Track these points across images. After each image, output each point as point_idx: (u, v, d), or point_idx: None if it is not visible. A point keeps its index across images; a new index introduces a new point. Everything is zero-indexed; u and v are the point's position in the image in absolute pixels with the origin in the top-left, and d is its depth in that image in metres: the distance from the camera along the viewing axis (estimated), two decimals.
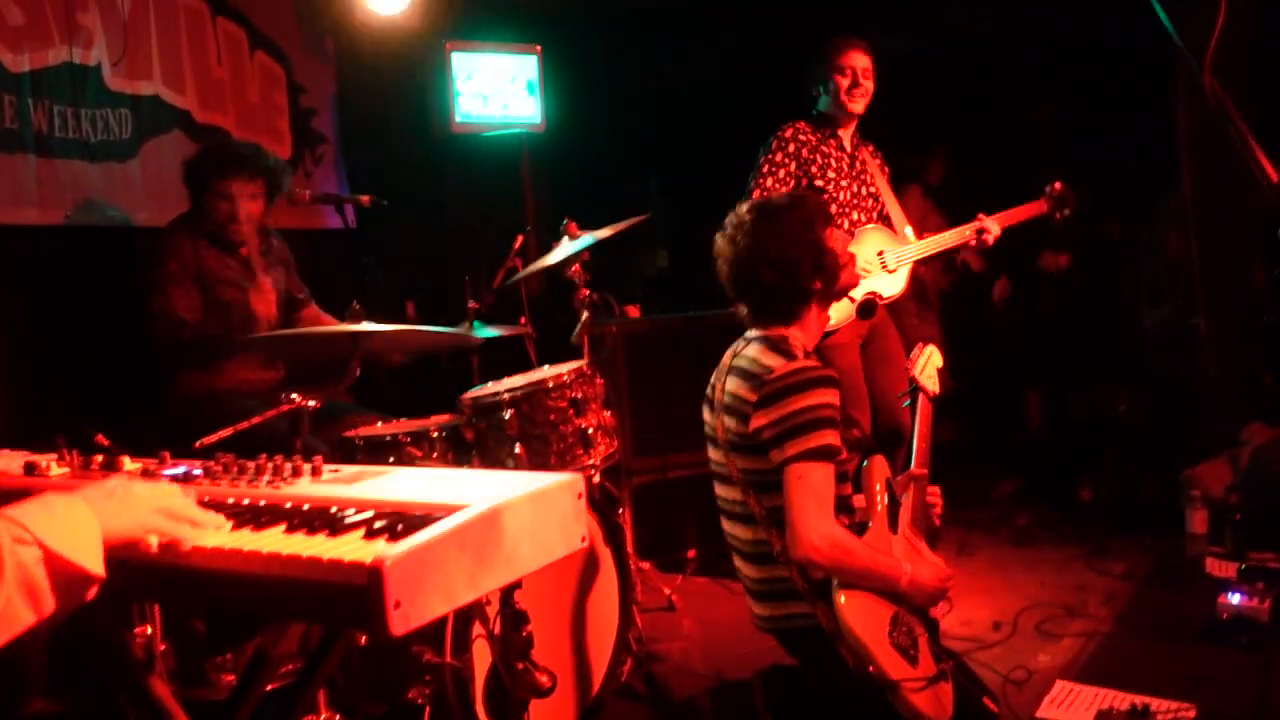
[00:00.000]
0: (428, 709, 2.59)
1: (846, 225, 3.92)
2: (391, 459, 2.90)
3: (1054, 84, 5.87)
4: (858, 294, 3.68)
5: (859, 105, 3.93)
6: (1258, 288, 4.69)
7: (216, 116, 4.28)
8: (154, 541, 1.25)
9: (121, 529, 1.22)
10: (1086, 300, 5.40)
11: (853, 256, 2.58)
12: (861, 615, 2.18)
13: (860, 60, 3.90)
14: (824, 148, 3.93)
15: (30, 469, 1.72)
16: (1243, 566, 3.49)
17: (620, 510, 4.24)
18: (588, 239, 3.45)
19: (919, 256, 3.91)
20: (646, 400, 4.50)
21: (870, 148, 4.08)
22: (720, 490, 2.50)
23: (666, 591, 3.90)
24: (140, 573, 1.24)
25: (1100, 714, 2.74)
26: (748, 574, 2.43)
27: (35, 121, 3.46)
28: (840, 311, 3.74)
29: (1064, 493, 4.94)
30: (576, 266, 3.60)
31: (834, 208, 3.90)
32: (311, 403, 2.57)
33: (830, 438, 2.22)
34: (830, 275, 2.44)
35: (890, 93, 4.07)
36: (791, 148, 3.90)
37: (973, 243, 3.94)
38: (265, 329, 3.51)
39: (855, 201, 3.96)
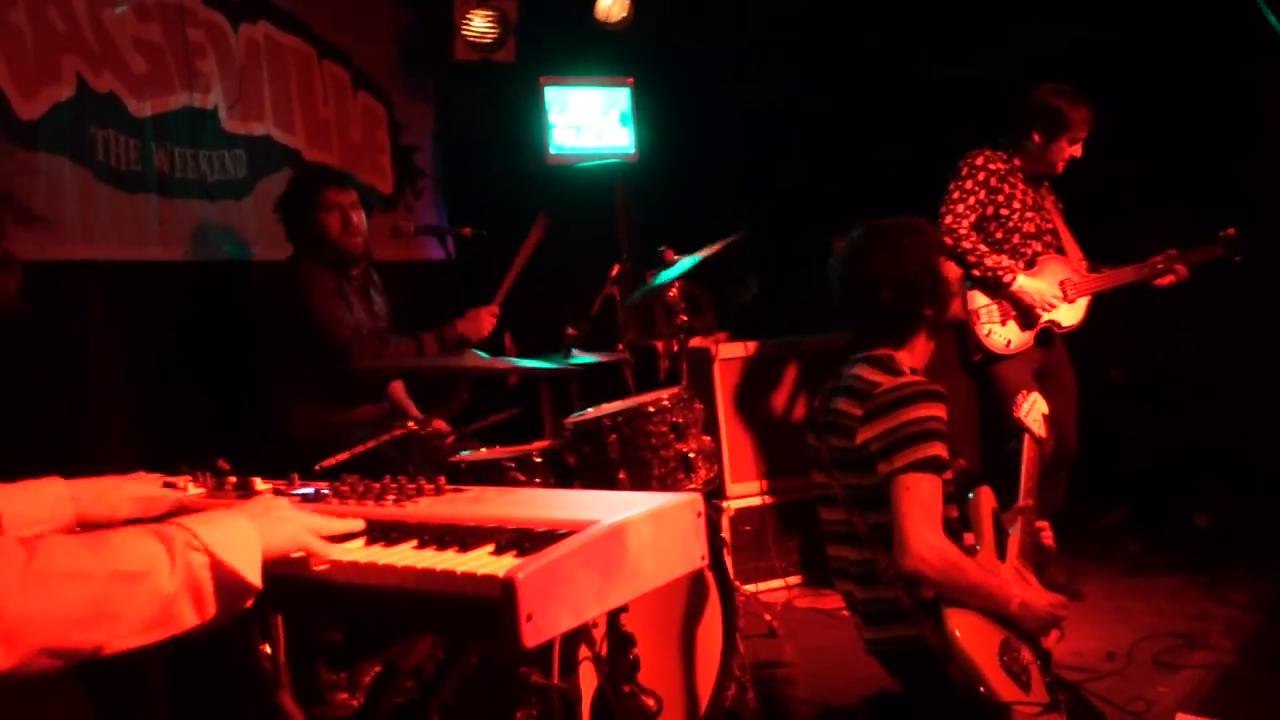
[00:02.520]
0: None
1: (1029, 254, 4.01)
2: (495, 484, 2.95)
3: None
4: (1038, 323, 3.92)
5: (1062, 169, 4.03)
6: None
7: (323, 154, 4.44)
8: (305, 555, 1.30)
9: (278, 544, 1.29)
10: (1199, 319, 5.23)
11: (950, 283, 2.56)
12: (971, 634, 2.15)
13: (1086, 133, 3.98)
14: (1011, 178, 4.02)
15: (169, 489, 1.80)
16: None
17: (721, 535, 4.24)
18: (684, 262, 3.49)
19: (1100, 289, 4.02)
20: (743, 426, 4.51)
21: (1047, 184, 4.16)
22: (825, 513, 2.49)
23: (767, 618, 3.88)
24: (283, 585, 1.29)
25: None
26: (856, 595, 2.41)
27: (157, 163, 3.64)
28: (1018, 340, 3.97)
29: (1176, 520, 4.78)
30: (673, 292, 3.64)
31: (1017, 238, 4.02)
32: (422, 429, 2.64)
33: (939, 449, 2.21)
34: (943, 304, 2.45)
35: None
36: (981, 175, 3.98)
37: (1157, 281, 4.03)
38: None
39: (1037, 233, 4.06)
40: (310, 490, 1.71)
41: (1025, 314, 3.96)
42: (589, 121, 5.10)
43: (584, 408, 3.40)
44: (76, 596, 1.07)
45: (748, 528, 4.42)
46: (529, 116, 5.04)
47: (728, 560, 3.71)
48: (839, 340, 4.76)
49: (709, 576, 3.02)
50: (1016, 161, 4.03)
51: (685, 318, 3.65)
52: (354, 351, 3.38)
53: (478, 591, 1.18)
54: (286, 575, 1.29)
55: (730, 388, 4.53)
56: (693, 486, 3.08)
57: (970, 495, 2.43)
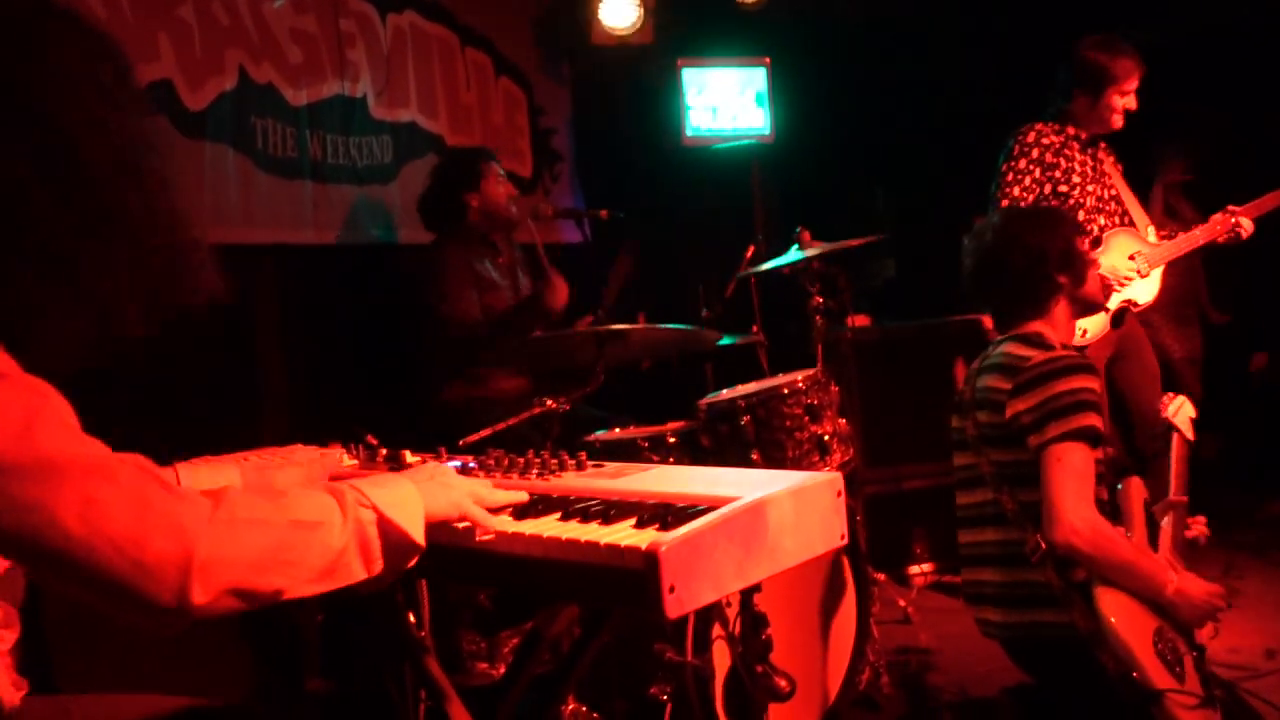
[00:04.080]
0: (669, 706, 2.65)
1: (1095, 230, 3.75)
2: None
3: None
4: (1114, 302, 3.57)
5: (1121, 125, 3.77)
6: None
7: (465, 139, 4.56)
8: (468, 525, 1.37)
9: (441, 509, 1.35)
10: None
11: (1097, 264, 2.52)
12: (1126, 617, 2.08)
13: (1136, 82, 3.73)
14: (1066, 150, 3.76)
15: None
16: None
17: (856, 519, 4.20)
18: (820, 248, 3.46)
19: (1171, 257, 3.70)
20: (878, 410, 4.44)
21: (1104, 144, 3.89)
22: (964, 497, 2.45)
23: (901, 604, 3.83)
24: (434, 552, 1.35)
25: None
26: (989, 579, 2.36)
27: (311, 150, 3.80)
28: (1095, 327, 3.64)
29: None
30: (809, 273, 3.61)
31: (1081, 214, 3.75)
32: (561, 406, 2.70)
33: (1093, 420, 2.15)
34: (1078, 274, 2.40)
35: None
36: (1035, 153, 3.75)
37: (1223, 239, 3.69)
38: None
39: (1100, 206, 3.79)
40: (457, 464, 1.77)
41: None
42: (725, 102, 5.09)
43: (718, 389, 3.42)
44: (260, 541, 1.14)
45: (883, 512, 4.37)
46: (665, 98, 5.07)
47: (862, 544, 3.68)
48: (977, 322, 4.66)
49: (844, 560, 3.00)
50: (1070, 130, 3.77)
51: (820, 299, 3.61)
52: (482, 332, 3.49)
53: (621, 563, 1.21)
54: (438, 543, 1.35)
55: (867, 372, 4.47)
56: (827, 469, 3.07)
57: (1120, 486, 2.36)
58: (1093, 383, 2.19)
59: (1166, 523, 2.37)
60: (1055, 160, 3.75)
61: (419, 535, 1.29)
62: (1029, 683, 2.48)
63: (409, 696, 2.71)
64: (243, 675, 3.01)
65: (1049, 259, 2.36)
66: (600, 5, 4.87)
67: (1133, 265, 3.64)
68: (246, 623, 2.93)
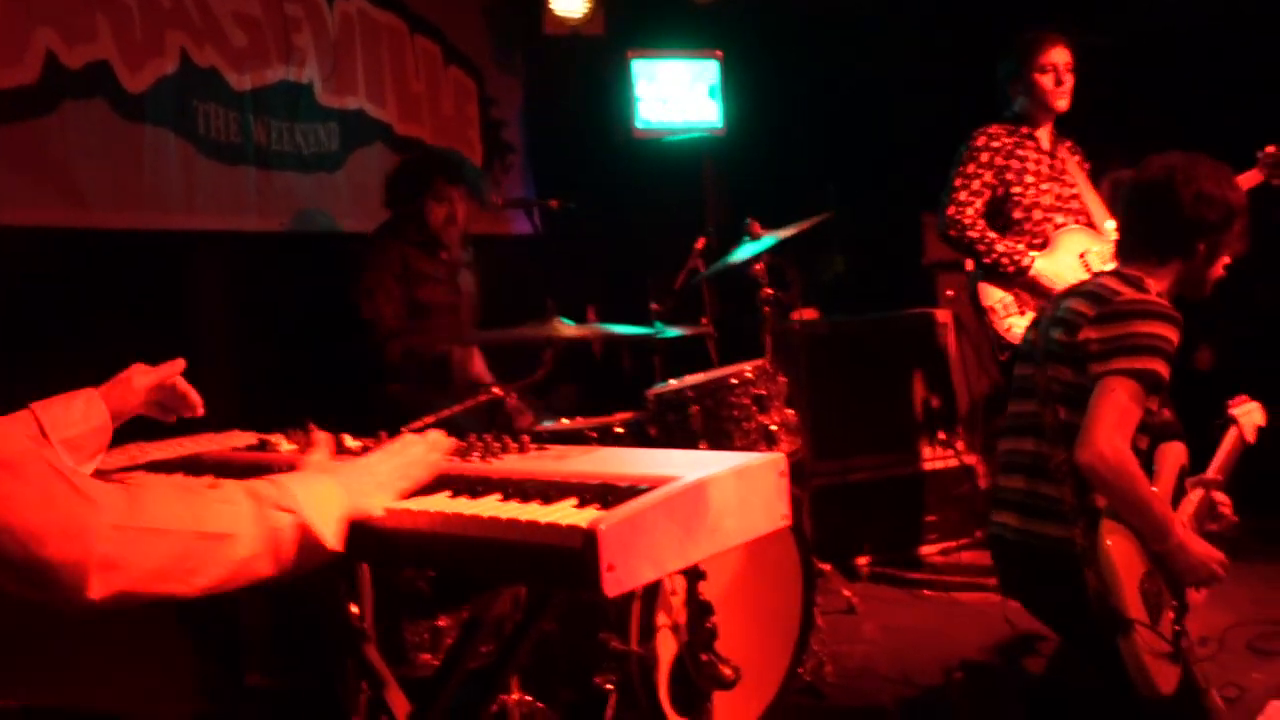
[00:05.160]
0: (614, 695, 2.65)
1: (1051, 229, 3.78)
2: None
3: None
4: None
5: (1064, 103, 3.77)
6: None
7: (414, 128, 4.52)
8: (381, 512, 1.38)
9: (364, 509, 1.35)
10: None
11: (1238, 236, 2.46)
12: (1121, 549, 2.16)
13: (1061, 56, 3.74)
14: (1019, 151, 3.79)
15: (263, 445, 1.87)
16: None
17: (802, 510, 4.22)
18: (771, 238, 3.46)
19: None
20: (827, 402, 4.46)
21: (1069, 144, 3.92)
22: (1015, 407, 2.50)
23: (847, 594, 3.86)
24: (369, 535, 1.33)
25: None
26: (1010, 485, 2.42)
27: (256, 136, 3.74)
28: None
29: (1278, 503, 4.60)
30: (759, 266, 3.62)
31: (1037, 213, 3.77)
32: (508, 394, 2.68)
33: (1159, 367, 2.19)
34: (1216, 246, 2.38)
35: (1088, 88, 3.91)
36: (984, 157, 3.77)
37: None
38: (467, 328, 3.68)
39: (1058, 205, 3.79)
40: None
41: (1046, 299, 3.61)
42: (676, 95, 5.09)
43: (667, 380, 3.42)
44: (162, 552, 1.15)
45: (830, 503, 4.39)
46: (616, 90, 5.05)
47: (808, 535, 3.70)
48: (928, 315, 4.71)
49: (788, 550, 3.01)
50: (1024, 129, 3.80)
51: (770, 290, 3.62)
52: (385, 347, 3.47)
53: (560, 542, 1.20)
54: (375, 525, 1.33)
55: (816, 365, 4.49)
56: None
57: (1160, 445, 2.42)
58: (1172, 333, 2.22)
59: (1194, 495, 2.42)
60: (1006, 162, 3.77)
61: (335, 540, 1.30)
62: (974, 662, 2.52)
63: (351, 688, 2.68)
64: (182, 673, 2.95)
65: (1210, 214, 2.33)
66: None
67: (1079, 265, 3.67)
68: (185, 619, 2.89)
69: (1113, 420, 2.15)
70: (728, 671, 2.45)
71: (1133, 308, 2.25)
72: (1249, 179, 3.71)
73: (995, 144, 3.78)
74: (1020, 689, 2.42)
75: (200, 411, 1.98)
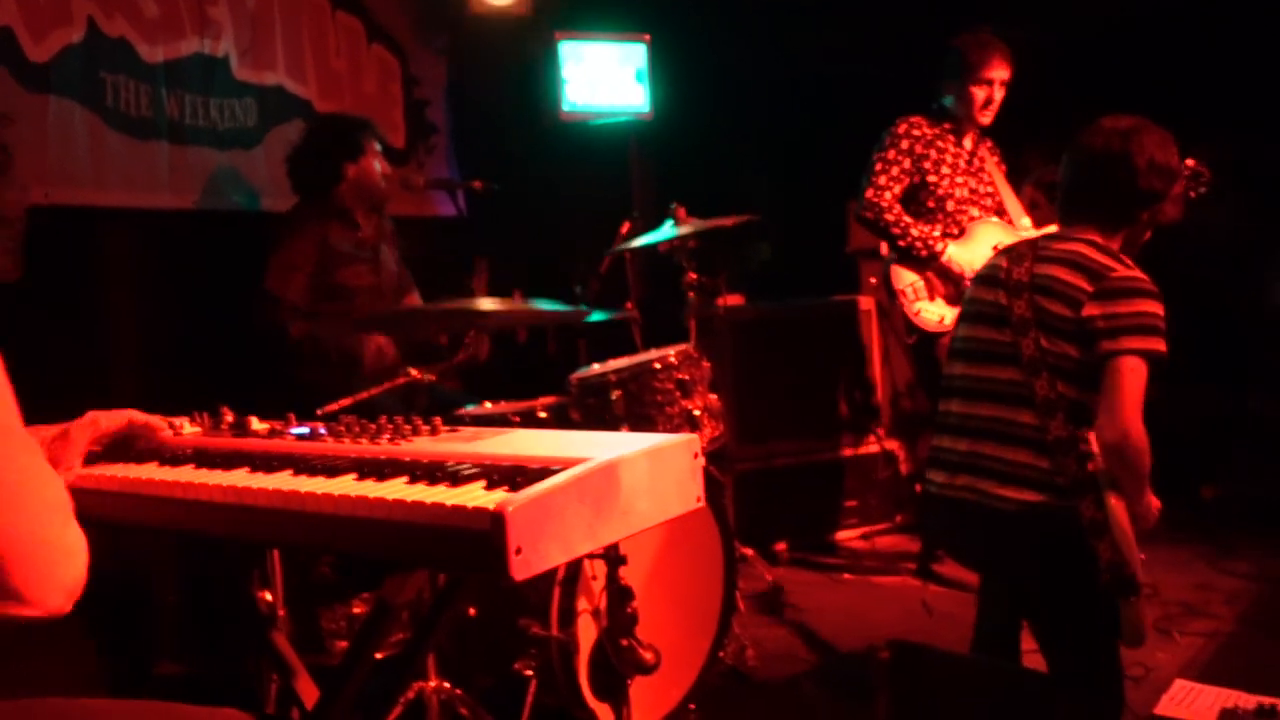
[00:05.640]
0: (534, 681, 2.63)
1: (966, 221, 3.84)
2: None
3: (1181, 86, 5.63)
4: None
5: (988, 119, 3.87)
6: None
7: (335, 105, 4.41)
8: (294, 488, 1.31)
9: None
10: (1213, 289, 5.17)
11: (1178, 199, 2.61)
12: (1124, 517, 2.25)
13: (1001, 73, 3.80)
14: (939, 143, 3.86)
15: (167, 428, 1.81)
16: None
17: (724, 495, 4.24)
18: (695, 225, 3.46)
19: None
20: (750, 388, 4.49)
21: (989, 143, 4.01)
22: (968, 369, 2.52)
23: (769, 579, 3.89)
24: (266, 517, 1.29)
25: (1224, 713, 2.63)
26: (990, 452, 2.42)
27: (169, 110, 3.61)
28: (951, 315, 3.71)
29: (1185, 491, 4.75)
30: (691, 246, 3.61)
31: (950, 204, 3.85)
32: (426, 377, 2.64)
33: (1163, 348, 2.28)
34: (1157, 212, 2.47)
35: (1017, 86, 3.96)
36: (905, 144, 3.84)
37: None
38: (385, 307, 3.60)
39: (972, 198, 3.89)
40: (305, 430, 1.71)
41: (954, 286, 3.76)
42: (603, 78, 5.05)
43: (591, 364, 3.40)
44: None
45: (753, 488, 4.42)
46: (543, 72, 4.99)
47: (730, 520, 3.72)
48: (851, 303, 4.75)
49: (710, 535, 3.02)
50: (947, 125, 3.88)
51: (695, 275, 3.62)
52: (289, 330, 3.40)
53: (467, 524, 1.18)
54: (274, 509, 1.29)
55: (741, 351, 4.51)
56: None
57: None
58: (1162, 311, 2.31)
59: None
60: (925, 151, 3.83)
61: None
62: (903, 641, 2.55)
63: (263, 676, 2.63)
64: (85, 662, 2.86)
65: (1160, 183, 2.41)
66: None
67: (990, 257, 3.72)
68: (88, 606, 2.80)
69: (1134, 400, 2.25)
70: (648, 656, 2.45)
71: (1131, 285, 2.31)
72: None
73: (916, 133, 3.84)
74: (942, 666, 2.44)
75: None
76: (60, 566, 1.03)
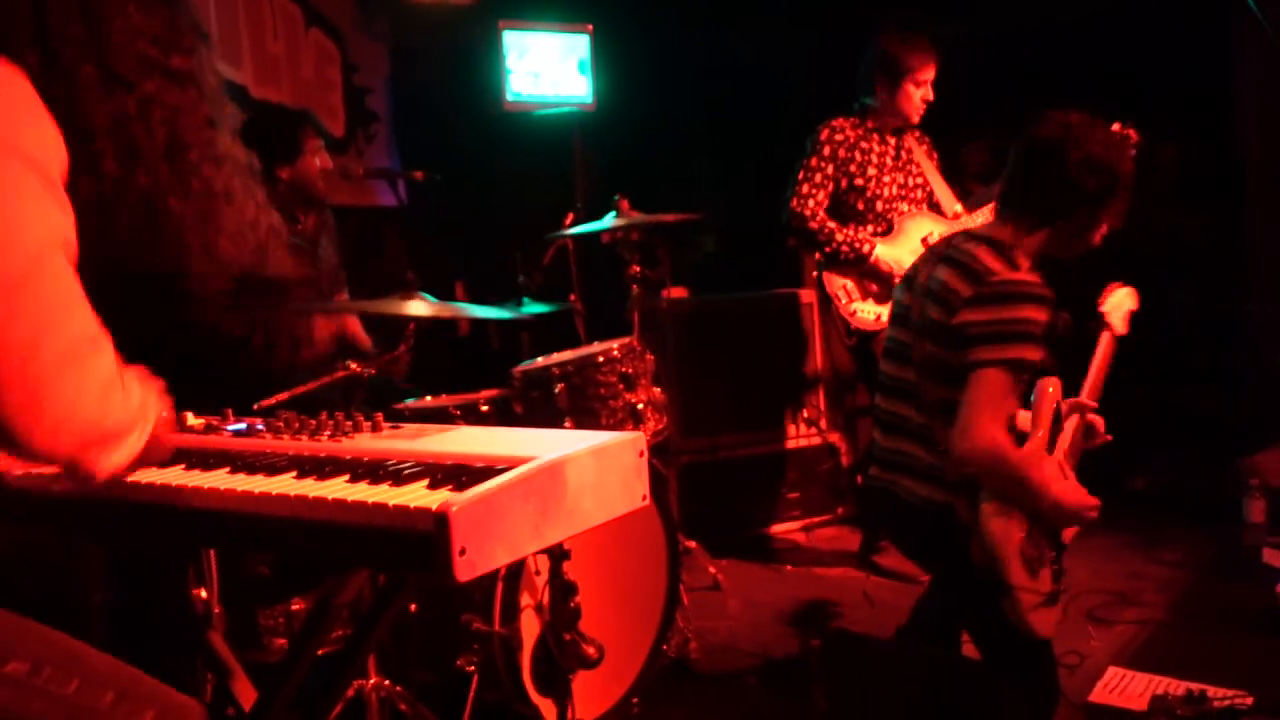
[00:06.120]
0: (476, 677, 2.60)
1: (895, 217, 3.88)
2: None
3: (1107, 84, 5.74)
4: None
5: (918, 117, 3.89)
6: None
7: (271, 91, 4.32)
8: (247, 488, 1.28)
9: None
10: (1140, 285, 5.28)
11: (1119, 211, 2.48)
12: (999, 521, 2.25)
13: (930, 74, 3.82)
14: (864, 144, 3.87)
15: None
16: None
17: (668, 488, 4.24)
18: (638, 218, 3.44)
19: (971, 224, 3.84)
20: (695, 381, 4.49)
21: (916, 133, 4.00)
22: (890, 368, 2.55)
23: (712, 571, 3.90)
24: (209, 518, 1.26)
25: (1155, 699, 2.70)
26: (915, 452, 2.45)
27: None
28: (889, 312, 3.71)
29: (1115, 481, 4.86)
30: (632, 237, 3.60)
31: (879, 204, 3.87)
32: (366, 371, 2.60)
33: (1028, 353, 2.25)
34: (1096, 215, 2.40)
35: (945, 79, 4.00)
36: (827, 150, 3.84)
37: None
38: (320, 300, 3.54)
39: (902, 194, 3.92)
40: (243, 426, 1.67)
41: (886, 284, 3.77)
42: (547, 68, 5.01)
43: (534, 357, 3.37)
44: None
45: (697, 481, 4.42)
46: (486, 61, 4.94)
47: (673, 513, 3.72)
48: (794, 296, 4.78)
49: (654, 528, 3.01)
50: (870, 124, 3.89)
51: (638, 268, 3.60)
52: (221, 323, 3.32)
53: (410, 525, 1.16)
54: (210, 509, 1.26)
55: (684, 343, 4.51)
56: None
57: (1037, 381, 2.45)
58: (1041, 314, 2.27)
59: (1070, 423, 2.48)
60: (849, 155, 3.84)
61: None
62: (839, 629, 2.59)
63: (199, 676, 2.57)
64: None
65: (1096, 180, 2.34)
66: None
67: (922, 249, 3.74)
68: (14, 600, 2.71)
69: (987, 414, 2.22)
70: (591, 650, 2.44)
71: (1006, 290, 2.28)
72: None
73: (839, 137, 3.86)
74: (877, 654, 2.48)
75: None
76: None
